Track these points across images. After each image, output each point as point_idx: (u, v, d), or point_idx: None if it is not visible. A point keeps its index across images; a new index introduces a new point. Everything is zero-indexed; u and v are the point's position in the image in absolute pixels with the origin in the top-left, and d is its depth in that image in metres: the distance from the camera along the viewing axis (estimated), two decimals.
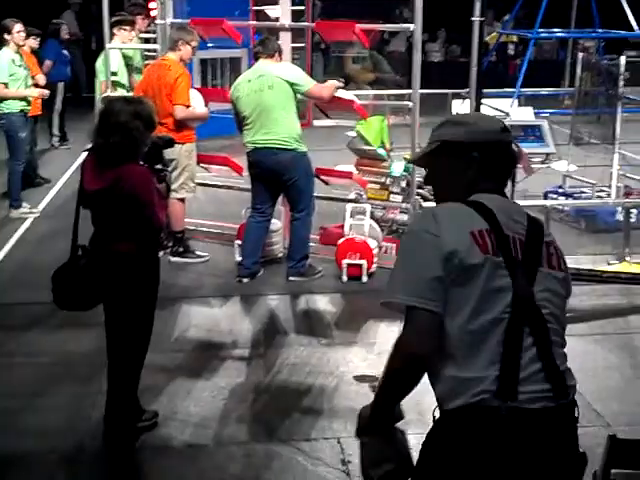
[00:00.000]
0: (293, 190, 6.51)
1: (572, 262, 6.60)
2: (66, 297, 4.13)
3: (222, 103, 8.17)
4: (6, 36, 8.47)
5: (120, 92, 8.04)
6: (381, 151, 7.17)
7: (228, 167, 7.45)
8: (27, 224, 8.28)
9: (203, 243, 7.46)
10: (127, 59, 8.73)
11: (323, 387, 4.90)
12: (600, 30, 11.68)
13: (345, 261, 6.61)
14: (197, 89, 7.57)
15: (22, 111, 8.56)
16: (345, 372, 5.09)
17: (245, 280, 6.58)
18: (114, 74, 8.26)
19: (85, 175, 4.06)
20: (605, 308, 6.20)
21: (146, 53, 9.21)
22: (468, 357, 2.18)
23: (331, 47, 15.09)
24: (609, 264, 6.87)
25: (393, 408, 2.37)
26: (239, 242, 6.85)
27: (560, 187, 8.63)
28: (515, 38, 17.25)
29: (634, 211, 7.35)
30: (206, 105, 7.22)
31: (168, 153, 4.88)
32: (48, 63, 10.83)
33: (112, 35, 8.25)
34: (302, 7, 12.00)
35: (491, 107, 8.91)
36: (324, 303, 6.29)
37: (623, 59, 8.49)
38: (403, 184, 7.14)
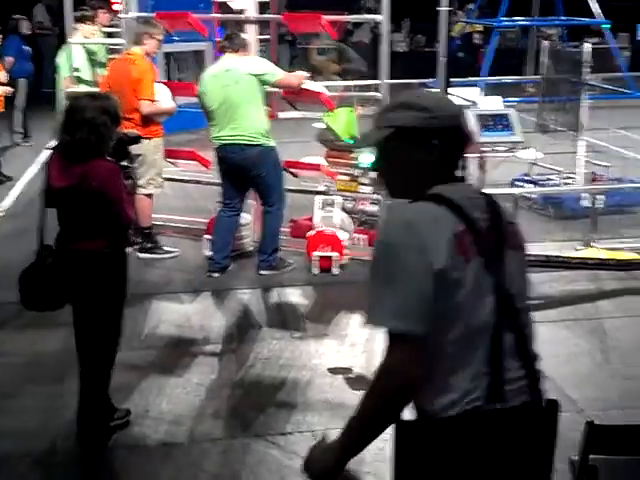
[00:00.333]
0: (263, 185, 6.48)
1: (540, 249, 6.75)
2: (34, 297, 4.07)
3: (189, 97, 8.12)
4: None
5: (83, 88, 7.94)
6: (350, 142, 7.15)
7: (196, 161, 7.39)
8: None
9: (172, 238, 7.40)
10: (90, 54, 8.62)
11: (297, 380, 4.89)
12: (563, 18, 11.77)
13: (316, 253, 6.60)
14: (163, 83, 7.50)
15: None
16: (318, 365, 5.08)
17: (215, 275, 6.54)
18: (76, 70, 8.16)
19: (51, 172, 4.00)
20: (574, 294, 6.25)
21: (110, 47, 9.11)
22: (458, 366, 2.10)
23: (297, 39, 15.05)
24: (577, 250, 6.93)
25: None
26: (208, 237, 6.81)
27: (527, 175, 8.68)
28: (480, 27, 17.33)
29: (600, 197, 7.41)
30: (173, 99, 7.16)
31: (135, 148, 4.84)
32: (9, 60, 10.67)
33: (75, 30, 8.15)
34: None
35: (459, 97, 8.93)
36: (296, 296, 6.27)
37: (587, 46, 8.56)
38: (372, 175, 7.12)
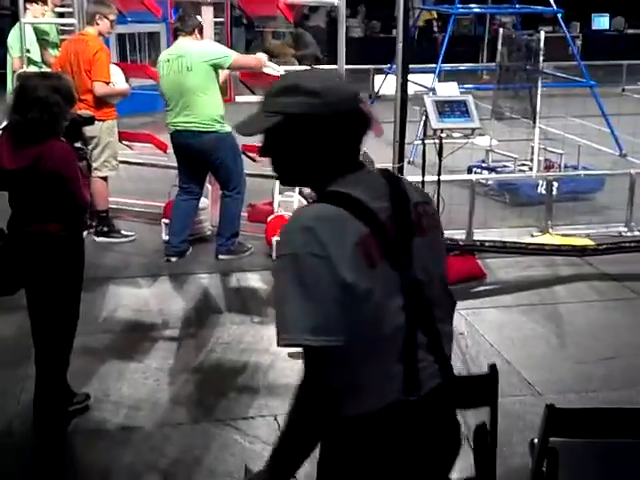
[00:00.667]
0: (221, 170, 6.44)
1: (497, 235, 6.83)
2: None
3: (143, 79, 8.02)
4: None
5: (32, 69, 7.78)
6: None
7: (152, 144, 7.31)
8: None
9: (128, 222, 7.32)
10: (41, 34, 8.45)
11: (258, 365, 4.88)
12: (517, 6, 11.85)
13: (275, 238, 6.57)
14: (116, 64, 7.40)
15: None
16: (279, 349, 5.03)
17: (173, 259, 6.49)
18: (27, 50, 8.00)
19: (2, 154, 3.88)
20: (530, 279, 6.32)
21: (62, 28, 8.94)
22: (373, 367, 2.05)
23: (254, 22, 14.93)
24: (532, 236, 7.03)
25: (297, 466, 2.07)
26: (166, 221, 6.75)
27: (483, 162, 8.76)
28: (435, 14, 17.42)
29: (555, 184, 7.52)
30: (127, 81, 7.07)
31: (89, 131, 4.77)
32: None
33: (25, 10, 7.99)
34: None
35: (415, 83, 8.98)
36: (255, 281, 6.25)
37: (542, 34, 8.66)
38: None
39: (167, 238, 6.63)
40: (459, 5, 11.71)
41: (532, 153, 8.54)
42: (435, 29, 17.73)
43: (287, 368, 4.82)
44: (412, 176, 6.50)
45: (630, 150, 9.91)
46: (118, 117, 7.06)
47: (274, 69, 6.73)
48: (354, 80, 11.59)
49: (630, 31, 18.93)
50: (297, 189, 6.84)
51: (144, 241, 6.98)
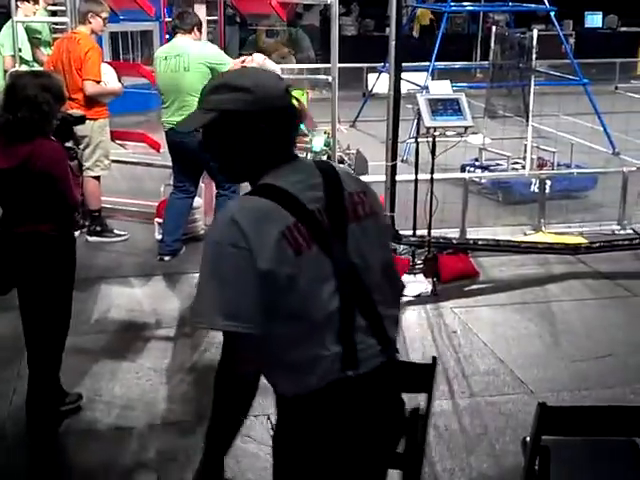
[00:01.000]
0: (216, 169, 6.40)
1: (490, 233, 6.83)
2: None
3: (136, 77, 8.01)
4: None
5: (24, 68, 7.76)
6: (302, 126, 7.13)
7: (145, 144, 7.30)
8: None
9: (121, 222, 7.31)
10: (33, 33, 8.43)
11: None
12: (510, 4, 11.86)
13: None
14: (109, 63, 7.38)
15: None
16: None
17: (167, 258, 6.48)
18: (19, 49, 7.97)
19: None
20: (523, 278, 6.33)
21: (55, 26, 8.92)
22: (309, 350, 2.13)
23: (248, 20, 14.92)
24: (526, 234, 7.04)
25: (229, 446, 2.21)
26: (159, 220, 6.73)
27: (476, 160, 8.76)
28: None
29: (548, 182, 7.52)
30: (119, 80, 7.05)
31: (80, 130, 4.74)
32: None
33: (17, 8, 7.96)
34: None
35: (408, 81, 8.97)
36: None
37: (535, 33, 8.66)
38: (324, 159, 7.12)
39: (160, 237, 6.62)
40: (452, 3, 11.72)
41: (525, 151, 8.55)
42: (460, 28, 17.81)
43: None
44: (405, 174, 6.52)
45: (623, 148, 9.93)
46: (110, 116, 7.04)
47: (272, 68, 6.71)
48: (348, 78, 11.64)
49: (623, 29, 18.98)
50: None
51: (137, 240, 6.97)
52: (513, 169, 8.49)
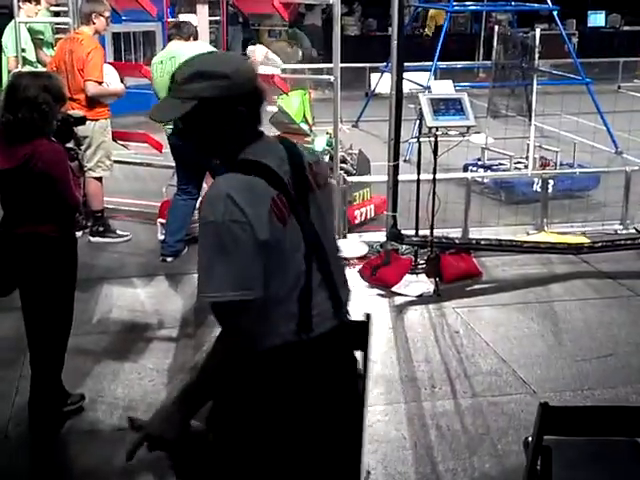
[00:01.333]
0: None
1: (492, 233, 6.82)
2: None
3: (138, 78, 8.00)
4: None
5: (27, 69, 7.77)
6: (304, 126, 7.13)
7: (147, 144, 7.30)
8: None
9: (124, 222, 7.31)
10: (35, 33, 8.43)
11: None
12: (513, 3, 11.84)
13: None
14: (111, 64, 7.38)
15: None
16: None
17: (169, 259, 6.48)
18: (22, 50, 7.99)
19: None
20: (526, 277, 6.32)
21: (57, 27, 8.92)
22: (275, 311, 2.28)
23: (250, 20, 14.92)
24: (528, 234, 7.03)
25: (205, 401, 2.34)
26: (162, 220, 6.74)
27: (479, 159, 8.75)
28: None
29: (551, 182, 7.52)
30: (122, 80, 7.06)
31: (81, 130, 4.75)
32: None
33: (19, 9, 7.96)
34: None
35: (411, 81, 8.96)
36: None
37: (538, 32, 8.65)
38: (326, 159, 7.11)
39: (163, 238, 6.62)
40: (455, 3, 11.71)
41: (528, 151, 8.54)
42: (462, 28, 17.84)
43: None
44: (408, 174, 6.52)
45: (625, 147, 9.91)
46: (112, 117, 7.04)
47: (275, 64, 6.69)
48: (351, 78, 11.62)
49: (626, 28, 18.93)
50: None
51: (140, 241, 6.97)
52: (516, 169, 8.47)
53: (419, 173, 6.22)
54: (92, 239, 6.86)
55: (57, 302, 4.01)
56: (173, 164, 6.70)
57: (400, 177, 6.36)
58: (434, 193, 6.02)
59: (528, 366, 4.92)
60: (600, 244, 6.55)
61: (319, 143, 7.13)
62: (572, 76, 10.96)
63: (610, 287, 6.15)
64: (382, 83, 10.41)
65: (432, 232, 6.11)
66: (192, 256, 6.56)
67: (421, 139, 6.25)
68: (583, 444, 3.03)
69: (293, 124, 7.12)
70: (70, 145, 4.07)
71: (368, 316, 2.67)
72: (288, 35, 14.17)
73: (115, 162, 7.13)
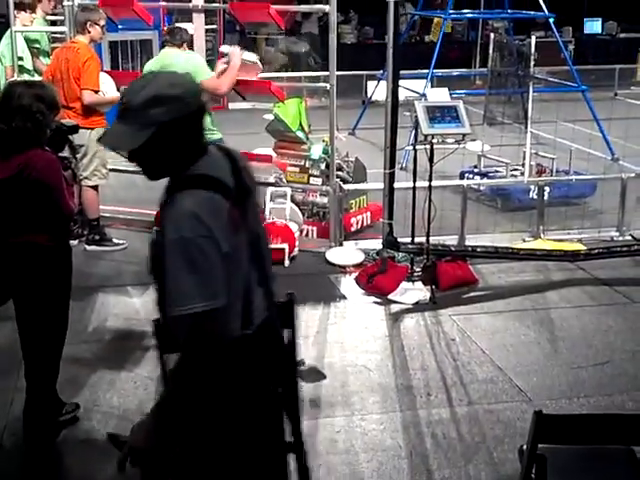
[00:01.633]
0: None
1: (489, 240, 6.82)
2: None
3: None
4: None
5: (25, 77, 7.77)
6: (300, 134, 7.14)
7: None
8: None
9: (120, 230, 7.31)
10: (32, 42, 8.44)
11: None
12: (509, 11, 11.86)
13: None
14: (108, 72, 7.39)
15: None
16: None
17: None
18: (20, 59, 8.00)
19: None
20: (522, 285, 6.32)
21: (54, 36, 8.94)
22: (230, 308, 2.41)
23: (246, 29, 14.95)
24: (524, 241, 7.03)
25: None
26: (157, 229, 6.71)
27: (475, 167, 8.76)
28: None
29: (547, 189, 7.52)
30: (118, 89, 7.06)
31: (77, 139, 4.73)
32: None
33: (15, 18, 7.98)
34: None
35: (407, 88, 8.98)
36: None
37: (533, 39, 8.66)
38: (322, 166, 7.12)
39: None
40: (451, 10, 11.72)
41: (524, 158, 8.54)
42: (459, 35, 17.92)
43: None
44: (404, 182, 6.52)
45: (622, 154, 9.92)
46: (108, 125, 7.04)
47: (252, 60, 6.66)
48: (348, 86, 11.64)
49: (622, 35, 18.97)
50: (288, 197, 6.84)
51: (136, 249, 6.94)
52: (512, 176, 8.48)
53: (415, 180, 6.23)
54: (88, 247, 6.85)
55: (52, 311, 4.00)
56: None
57: (396, 185, 6.36)
58: (430, 200, 6.03)
59: (524, 374, 4.91)
60: (596, 251, 6.55)
61: (315, 151, 7.13)
62: (568, 83, 10.97)
63: (606, 294, 6.15)
64: (379, 91, 10.42)
65: (428, 239, 6.12)
66: None
67: (417, 147, 6.25)
68: (578, 452, 3.03)
69: (289, 132, 7.12)
70: (63, 154, 4.06)
71: (291, 296, 2.83)
72: (285, 43, 14.23)
73: (111, 170, 7.12)
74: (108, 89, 6.84)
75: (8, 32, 7.94)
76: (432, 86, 10.59)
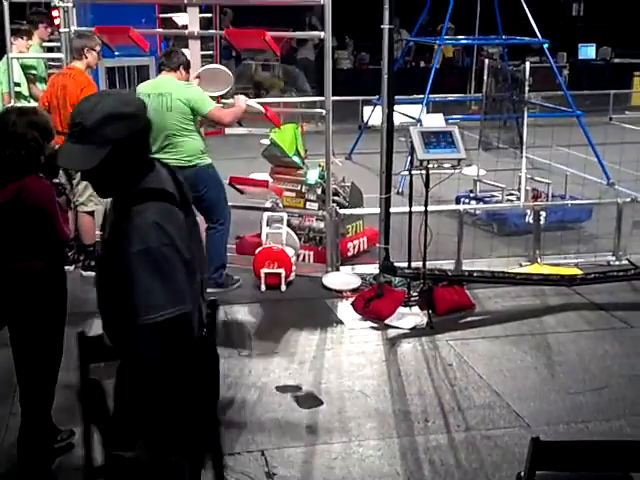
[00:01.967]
0: (204, 202, 6.28)
1: (485, 265, 6.82)
2: None
3: None
4: None
5: (22, 104, 7.79)
6: (296, 159, 7.15)
7: None
8: None
9: None
10: (28, 68, 8.47)
11: (245, 399, 4.84)
12: (504, 37, 11.95)
13: (263, 270, 6.56)
14: None
15: None
16: (267, 383, 5.04)
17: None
18: (17, 85, 8.02)
19: None
20: (519, 309, 6.32)
21: (51, 62, 8.97)
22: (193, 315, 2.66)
23: (242, 55, 15.03)
24: (521, 266, 7.03)
25: None
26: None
27: (471, 191, 8.78)
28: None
29: (543, 213, 7.53)
30: None
31: None
32: None
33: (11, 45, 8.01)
34: (210, 15, 11.91)
35: (402, 114, 9.03)
36: (243, 313, 6.22)
37: (527, 65, 8.73)
38: (318, 191, 7.13)
39: None
40: (446, 36, 11.81)
41: (519, 183, 8.57)
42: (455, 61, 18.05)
43: (274, 402, 4.79)
44: (400, 207, 6.53)
45: (617, 179, 9.95)
46: None
47: (256, 107, 6.71)
48: (344, 111, 11.68)
49: (617, 60, 19.08)
50: (285, 222, 6.84)
51: None
52: (508, 200, 8.49)
53: (411, 205, 6.24)
54: (84, 273, 6.83)
55: (47, 337, 3.98)
56: None
57: (392, 209, 6.37)
58: (426, 225, 6.03)
59: (522, 399, 4.89)
60: (593, 276, 6.55)
61: (312, 176, 7.15)
62: (563, 108, 11.03)
63: (603, 319, 6.15)
64: (374, 116, 10.47)
65: (425, 264, 6.11)
66: None
67: (413, 172, 6.27)
68: (575, 479, 3.01)
69: (286, 157, 7.14)
70: (57, 180, 4.07)
71: (213, 302, 2.99)
72: (282, 69, 14.29)
73: None
74: None
75: (4, 58, 7.97)
76: (428, 111, 10.63)
